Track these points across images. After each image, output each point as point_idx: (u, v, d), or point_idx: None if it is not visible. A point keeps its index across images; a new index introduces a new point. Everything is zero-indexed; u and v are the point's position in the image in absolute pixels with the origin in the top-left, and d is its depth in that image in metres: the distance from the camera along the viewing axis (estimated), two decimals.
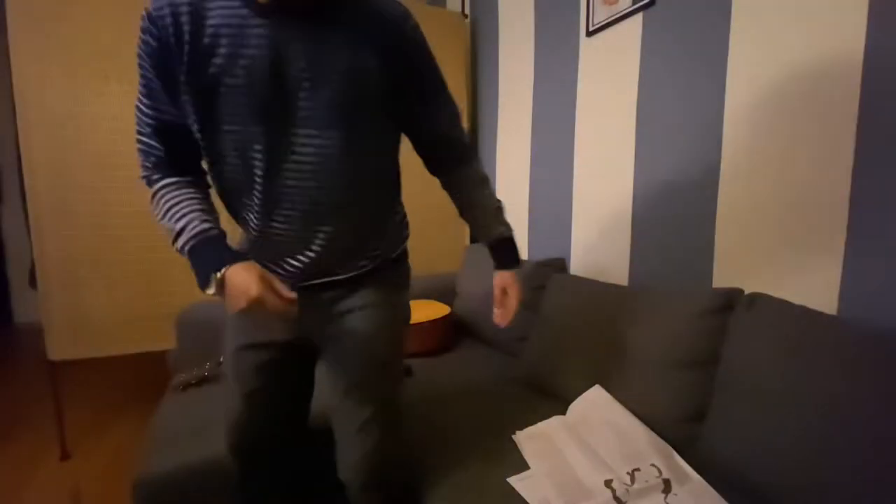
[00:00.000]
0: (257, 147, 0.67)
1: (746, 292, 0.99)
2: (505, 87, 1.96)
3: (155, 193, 0.70)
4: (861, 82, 0.85)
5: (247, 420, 0.84)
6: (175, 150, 0.71)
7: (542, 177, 1.77)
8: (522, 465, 0.89)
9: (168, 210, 0.68)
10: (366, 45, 0.67)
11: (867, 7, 0.84)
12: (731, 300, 0.98)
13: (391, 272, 0.85)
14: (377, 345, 0.81)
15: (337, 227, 0.74)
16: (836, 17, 0.88)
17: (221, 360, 1.31)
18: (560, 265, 1.59)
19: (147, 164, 0.71)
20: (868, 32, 0.84)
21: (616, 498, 0.77)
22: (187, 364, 1.32)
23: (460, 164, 0.86)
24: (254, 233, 0.75)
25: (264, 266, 0.74)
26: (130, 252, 1.52)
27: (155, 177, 0.71)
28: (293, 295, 0.64)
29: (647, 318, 1.07)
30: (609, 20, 1.38)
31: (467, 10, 2.17)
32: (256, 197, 0.70)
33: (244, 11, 0.62)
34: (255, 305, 0.60)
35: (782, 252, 1.01)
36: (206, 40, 0.62)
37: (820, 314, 0.86)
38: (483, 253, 1.84)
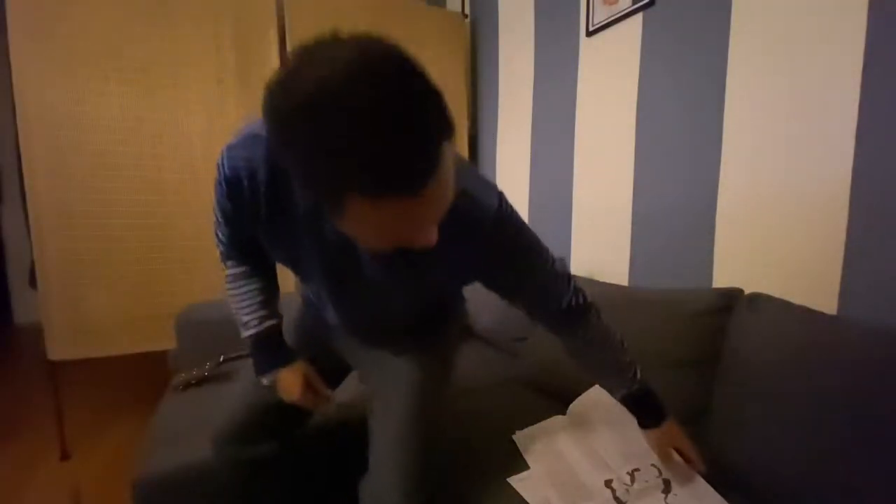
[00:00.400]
0: (324, 292, 0.74)
1: (746, 292, 0.99)
2: (505, 87, 1.96)
3: (226, 275, 0.79)
4: (861, 81, 0.85)
5: (242, 414, 0.85)
6: (246, 248, 0.76)
7: (542, 177, 1.76)
8: (522, 465, 0.88)
9: (233, 296, 0.78)
10: (440, 261, 0.61)
11: (867, 7, 0.84)
12: (731, 300, 0.98)
13: None
14: (423, 365, 0.82)
15: (401, 333, 0.83)
16: (837, 17, 0.88)
17: (221, 359, 1.31)
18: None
19: (220, 246, 0.78)
20: (868, 32, 0.84)
21: (616, 498, 0.77)
22: (187, 364, 1.31)
23: (568, 327, 0.79)
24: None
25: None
26: (130, 252, 1.51)
27: (228, 262, 0.79)
28: (330, 394, 0.80)
29: (647, 318, 1.07)
30: (609, 20, 1.38)
31: (467, 10, 2.17)
32: (325, 309, 0.79)
33: None
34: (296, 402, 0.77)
35: (782, 252, 1.01)
36: (283, 212, 0.60)
37: (820, 314, 0.86)
38: None
